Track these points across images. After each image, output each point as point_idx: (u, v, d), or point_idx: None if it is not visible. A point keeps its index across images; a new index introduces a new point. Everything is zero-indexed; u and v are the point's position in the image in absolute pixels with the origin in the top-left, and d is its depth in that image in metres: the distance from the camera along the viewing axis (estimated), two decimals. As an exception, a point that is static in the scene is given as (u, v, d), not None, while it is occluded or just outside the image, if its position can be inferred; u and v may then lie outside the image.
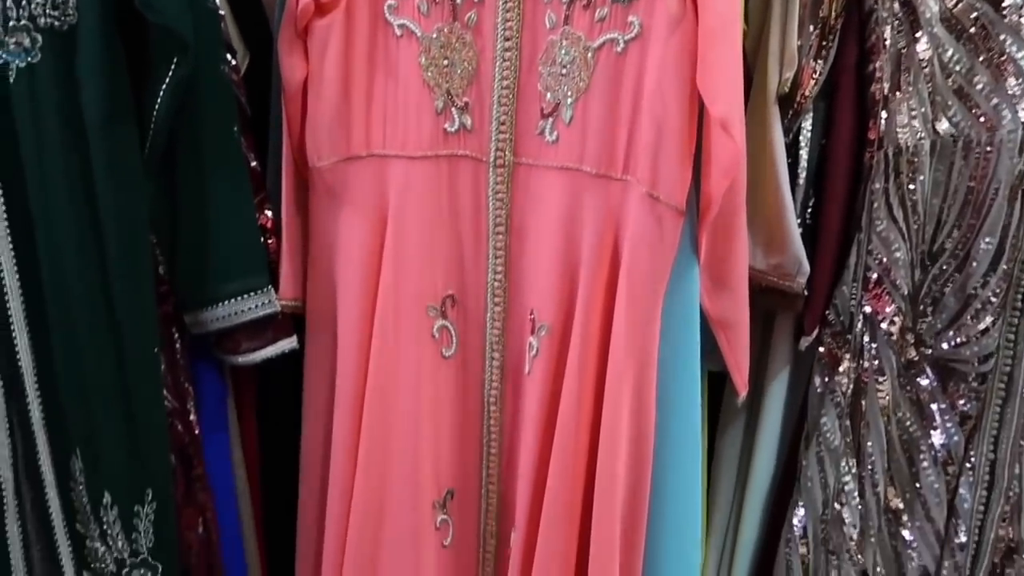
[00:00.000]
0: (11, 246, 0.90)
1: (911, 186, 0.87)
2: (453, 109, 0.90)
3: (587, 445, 0.93)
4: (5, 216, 0.89)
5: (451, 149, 0.91)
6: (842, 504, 0.93)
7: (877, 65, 0.87)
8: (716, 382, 0.98)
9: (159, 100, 0.86)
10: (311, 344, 1.00)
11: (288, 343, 1.00)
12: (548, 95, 0.87)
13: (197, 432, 1.01)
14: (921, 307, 0.90)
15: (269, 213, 0.98)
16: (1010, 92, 0.85)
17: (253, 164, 0.97)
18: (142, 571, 0.99)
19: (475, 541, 1.04)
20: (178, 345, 0.99)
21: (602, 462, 0.91)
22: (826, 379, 0.93)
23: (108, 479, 0.95)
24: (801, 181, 0.92)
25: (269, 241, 0.98)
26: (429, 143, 0.91)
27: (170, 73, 0.85)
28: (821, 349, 0.93)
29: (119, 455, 0.95)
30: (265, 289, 0.95)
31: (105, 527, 0.96)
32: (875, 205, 0.89)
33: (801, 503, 0.94)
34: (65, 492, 0.96)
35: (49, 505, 0.96)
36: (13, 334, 0.92)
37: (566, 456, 0.92)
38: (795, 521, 0.95)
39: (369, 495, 0.97)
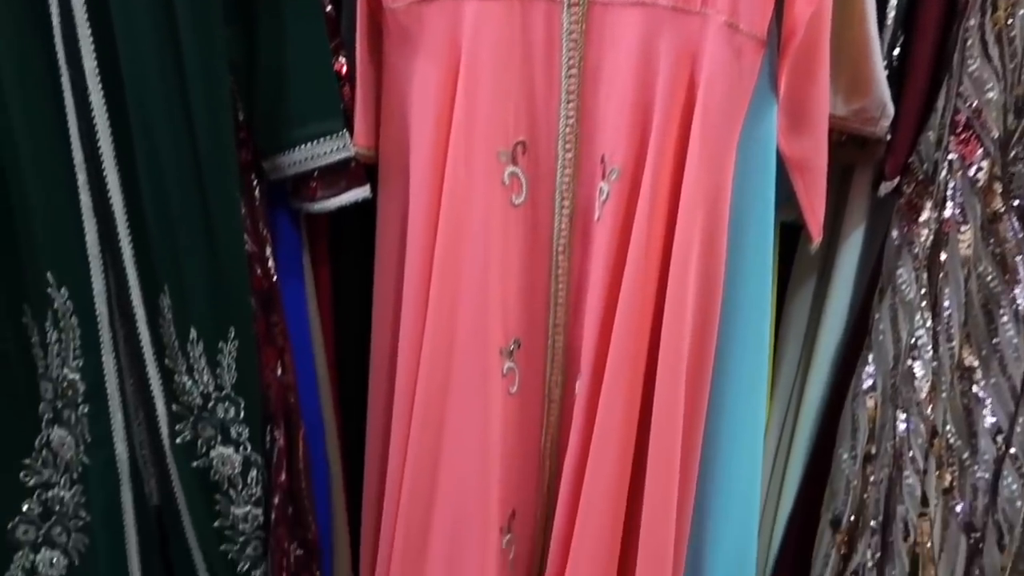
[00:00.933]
0: (101, 90, 0.94)
1: (1009, 21, 0.82)
2: (526, -54, 0.88)
3: (655, 292, 0.93)
4: (96, 60, 0.93)
5: (524, -12, 0.90)
6: (914, 359, 0.92)
7: None
8: (787, 234, 0.96)
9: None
10: (383, 192, 1.02)
11: (361, 191, 1.02)
12: (623, -74, 0.85)
13: (275, 279, 1.06)
14: (1012, 154, 0.86)
15: (343, 60, 0.99)
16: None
17: (328, 9, 0.97)
18: (226, 405, 1.05)
19: (540, 389, 1.07)
20: (256, 192, 1.03)
21: (670, 307, 0.91)
22: (904, 230, 0.90)
23: (194, 316, 1.00)
24: (889, 21, 0.87)
25: (343, 88, 1.00)
26: (502, -18, 0.90)
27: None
28: (901, 200, 0.90)
29: (203, 293, 0.99)
30: (340, 133, 0.96)
31: (192, 362, 1.02)
32: (968, 43, 0.84)
33: (871, 357, 0.93)
34: (155, 328, 1.02)
35: (140, 340, 1.02)
36: (104, 176, 0.97)
37: (633, 302, 0.92)
38: (864, 376, 0.94)
39: (438, 340, 1.00)
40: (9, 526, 1.09)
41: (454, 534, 1.08)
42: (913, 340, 0.92)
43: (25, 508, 1.09)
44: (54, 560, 1.11)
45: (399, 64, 0.95)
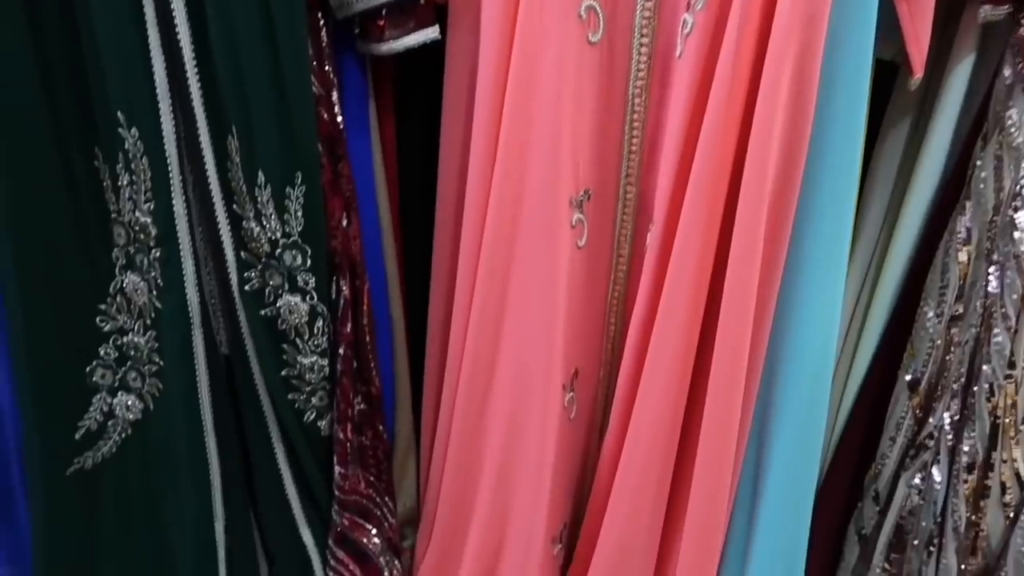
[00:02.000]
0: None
1: None
2: None
3: (737, 133, 0.88)
4: None
5: None
6: (1016, 209, 0.86)
7: None
8: (881, 73, 0.89)
9: None
10: (453, 32, 0.99)
11: (430, 32, 0.98)
12: None
13: (341, 125, 1.04)
14: None
15: None
16: None
17: None
18: (293, 253, 1.05)
19: (609, 243, 1.04)
20: (323, 32, 1.00)
21: (753, 149, 0.86)
22: (1019, 67, 0.83)
23: (261, 159, 0.99)
24: None
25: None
26: None
27: None
28: (1018, 32, 0.83)
29: (271, 135, 0.98)
30: (409, -36, 0.92)
31: (259, 207, 1.02)
32: None
33: (968, 206, 0.88)
34: (223, 172, 1.01)
35: (209, 184, 1.02)
36: (172, 12, 0.94)
37: (714, 144, 0.88)
38: (958, 227, 0.89)
39: (506, 189, 0.98)
40: (87, 370, 1.13)
41: (517, 390, 1.08)
42: (1017, 188, 0.85)
43: (102, 352, 1.13)
44: (130, 404, 1.15)
45: None
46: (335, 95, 1.02)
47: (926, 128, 0.90)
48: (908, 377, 0.96)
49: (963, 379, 0.93)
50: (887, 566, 1.01)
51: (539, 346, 1.04)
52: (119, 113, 0.97)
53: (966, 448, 0.91)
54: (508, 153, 0.96)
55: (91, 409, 1.15)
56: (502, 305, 1.05)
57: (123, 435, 1.17)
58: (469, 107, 1.00)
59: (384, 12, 0.95)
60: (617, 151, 0.98)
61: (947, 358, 0.93)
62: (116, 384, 1.14)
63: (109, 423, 1.16)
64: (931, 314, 0.92)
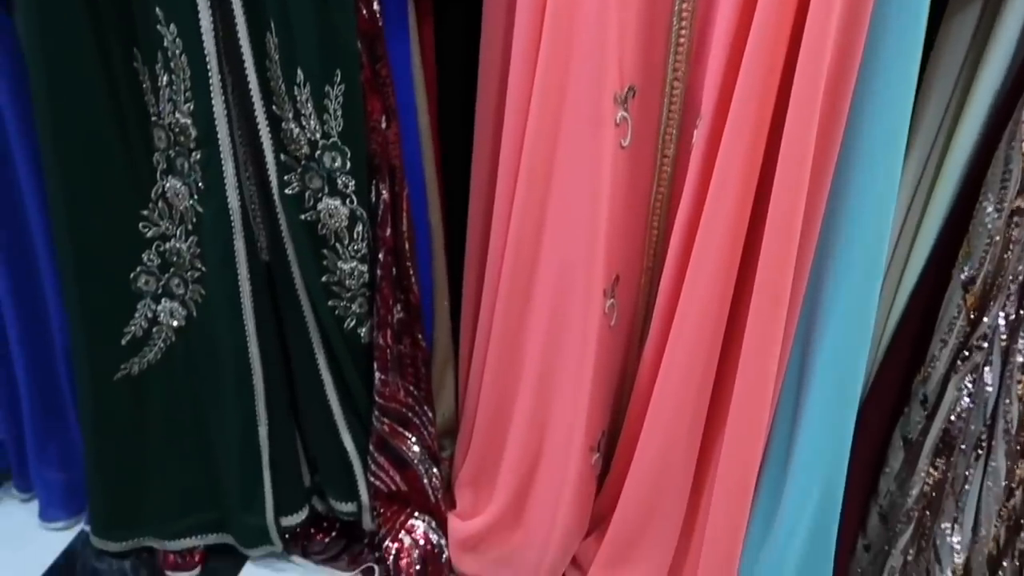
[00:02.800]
0: None
1: None
2: None
3: (791, 25, 0.85)
4: None
5: None
6: (1084, 96, 0.82)
7: None
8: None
9: None
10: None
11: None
12: None
13: (380, 23, 1.01)
14: None
15: None
16: None
17: None
18: (332, 154, 1.04)
19: (653, 143, 1.02)
20: (361, -75, 0.97)
21: (808, 42, 0.83)
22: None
23: (300, 56, 0.98)
24: None
25: None
26: None
27: None
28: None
29: (310, 31, 0.96)
30: None
31: (299, 107, 1.01)
32: None
33: (1038, 99, 0.84)
34: (262, 71, 1.00)
35: (248, 83, 1.00)
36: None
37: (766, 36, 0.84)
38: (1024, 117, 0.85)
39: (550, 83, 0.95)
40: (131, 276, 1.14)
41: (557, 297, 1.07)
42: (1087, 73, 0.81)
43: (145, 259, 1.14)
44: (173, 311, 1.17)
45: None
46: (374, -9, 1.00)
47: (995, 13, 0.85)
48: (963, 276, 0.93)
49: (1021, 277, 0.90)
50: (932, 471, 1.00)
51: (580, 250, 1.02)
52: (157, 9, 0.96)
53: (1021, 347, 0.89)
54: (552, 49, 0.94)
55: (136, 315, 1.16)
56: (543, 209, 1.03)
57: (167, 342, 1.18)
58: (511, 3, 0.97)
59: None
60: (664, 45, 0.95)
61: (1005, 256, 0.90)
62: (159, 291, 1.15)
63: (154, 329, 1.18)
64: (990, 209, 0.89)
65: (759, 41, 0.85)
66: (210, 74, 0.99)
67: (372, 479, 1.21)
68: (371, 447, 1.20)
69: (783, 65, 0.87)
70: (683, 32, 0.94)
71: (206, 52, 0.98)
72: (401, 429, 1.21)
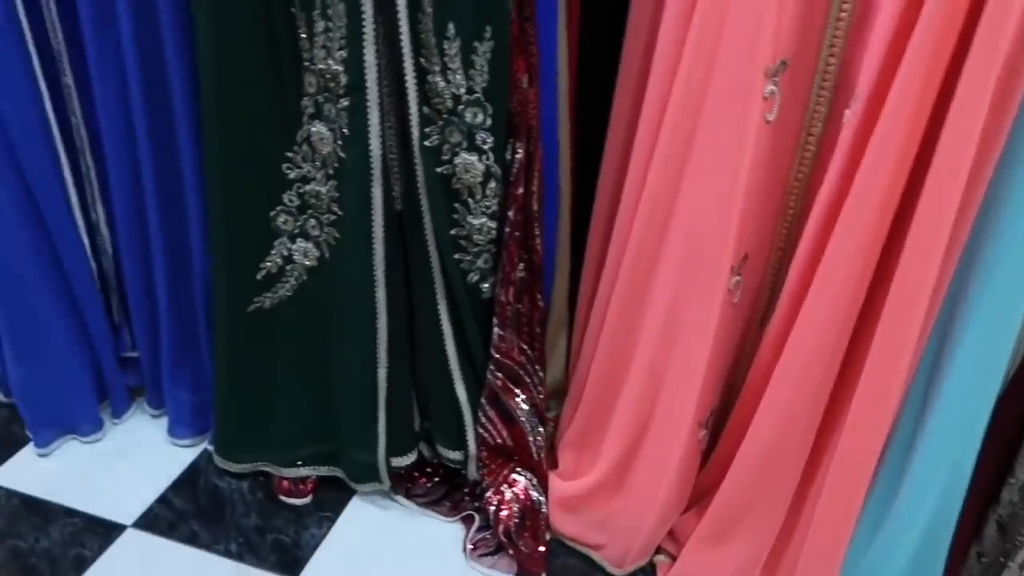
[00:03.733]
0: None
1: None
2: None
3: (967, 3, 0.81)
4: None
5: None
6: None
7: None
8: None
9: None
10: None
11: None
12: None
13: (530, -19, 1.02)
14: None
15: None
16: None
17: None
18: (475, 110, 1.06)
19: (800, 119, 0.99)
20: None
21: (987, 21, 0.79)
22: None
23: (453, 10, 0.99)
24: None
25: None
26: None
27: None
28: None
29: (464, -16, 0.98)
30: None
31: (446, 60, 1.03)
32: None
33: None
34: (414, 23, 1.02)
35: (400, 34, 1.03)
36: None
37: (937, 16, 0.81)
38: None
39: (701, 51, 0.94)
40: (271, 214, 1.20)
41: (684, 268, 1.06)
42: None
43: (285, 199, 1.19)
44: (307, 251, 1.22)
45: None
46: (528, -51, 1.00)
47: None
48: None
49: None
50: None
51: (713, 223, 1.01)
52: (320, -43, 1.00)
53: None
54: (706, 16, 0.92)
55: (272, 252, 1.23)
56: (679, 178, 1.02)
57: (299, 280, 1.24)
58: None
59: None
60: (822, 19, 0.92)
61: None
62: (296, 231, 1.21)
63: (287, 267, 1.24)
64: None
65: (929, 24, 0.81)
66: (364, 24, 1.02)
67: (480, 430, 1.25)
68: (483, 399, 1.23)
69: (952, 51, 0.83)
70: (844, 6, 0.91)
71: (362, 1, 1.01)
72: (512, 386, 1.23)
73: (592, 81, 1.15)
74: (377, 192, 1.13)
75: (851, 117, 0.91)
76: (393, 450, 1.29)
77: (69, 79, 1.25)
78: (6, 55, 1.20)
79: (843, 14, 0.91)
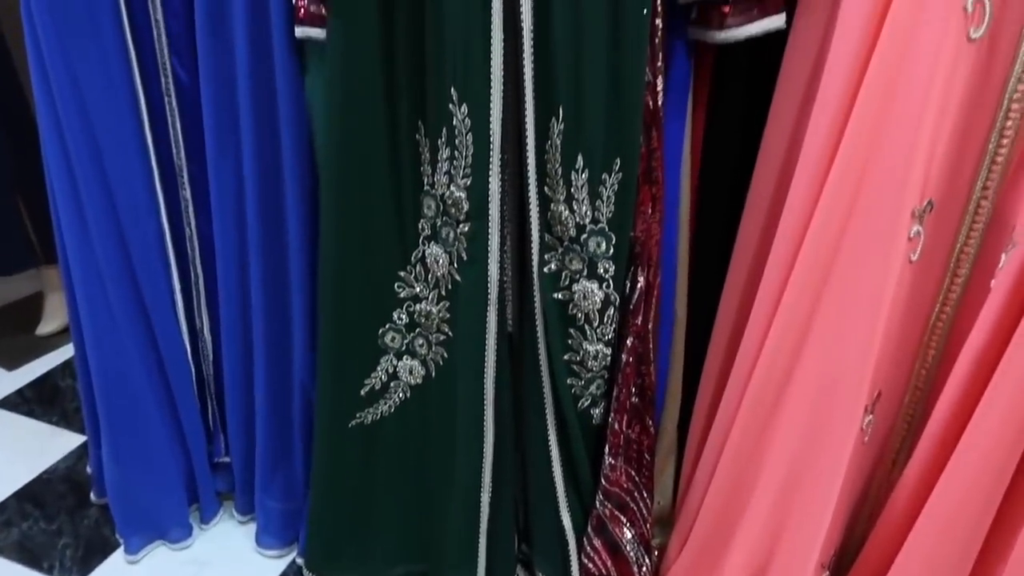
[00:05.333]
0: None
1: None
2: None
3: None
4: None
5: None
6: None
7: None
8: None
9: None
10: (801, 20, 0.93)
11: (776, 20, 0.93)
12: None
13: (661, 110, 1.01)
14: None
15: None
16: None
17: None
18: (598, 239, 1.04)
19: (945, 261, 0.95)
20: (659, 19, 0.97)
21: None
22: None
23: (584, 142, 0.99)
24: None
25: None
26: None
27: None
28: None
29: (598, 121, 0.97)
30: (774, -51, 0.88)
31: (572, 190, 1.02)
32: None
33: None
34: (541, 153, 1.02)
35: (527, 164, 1.02)
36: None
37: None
38: None
39: (843, 187, 0.91)
40: (380, 331, 1.19)
41: (815, 407, 1.01)
42: None
43: (395, 317, 1.18)
44: (413, 368, 1.20)
45: None
46: (660, 82, 1.00)
47: None
48: None
49: None
50: None
51: (850, 362, 0.97)
52: (452, 90, 1.00)
53: None
54: (853, 150, 0.89)
55: (378, 369, 1.21)
56: (813, 311, 0.98)
57: (403, 397, 1.22)
58: (805, 100, 0.94)
59: (731, -1, 0.92)
60: (976, 160, 0.89)
61: None
62: (403, 348, 1.20)
63: (391, 384, 1.22)
64: None
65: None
66: (491, 154, 1.02)
67: (585, 560, 1.20)
68: (589, 529, 1.18)
69: None
70: (1002, 149, 0.87)
71: (491, 133, 1.01)
72: (619, 514, 1.18)
73: (710, 208, 1.13)
74: (492, 316, 1.11)
75: (1011, 264, 0.87)
76: (492, 574, 1.24)
77: (187, 192, 1.28)
78: (129, 169, 1.23)
79: (999, 156, 0.88)
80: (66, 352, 2.00)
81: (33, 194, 1.95)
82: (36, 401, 1.84)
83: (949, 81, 0.85)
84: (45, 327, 2.09)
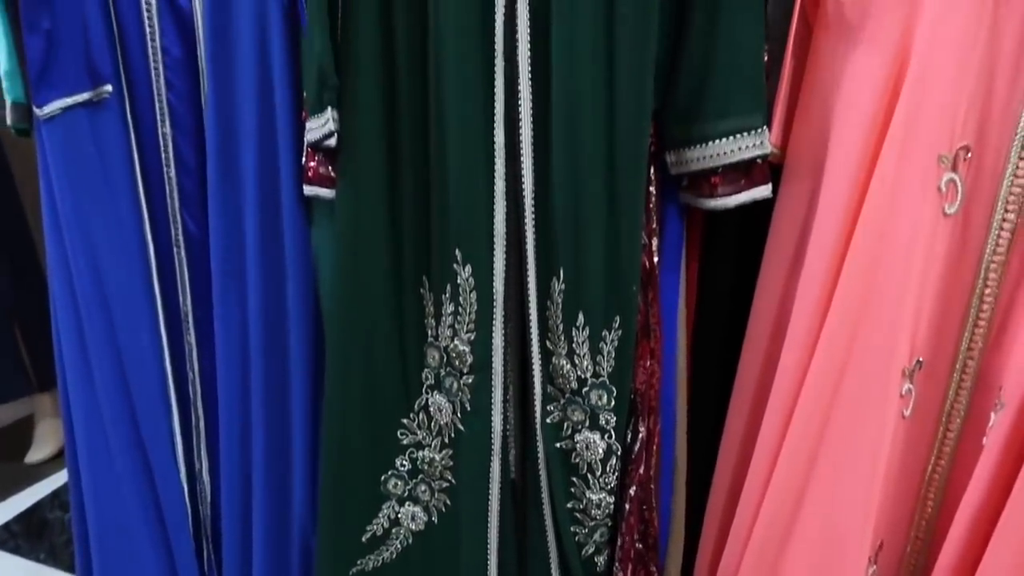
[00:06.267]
0: (530, 82, 0.97)
1: None
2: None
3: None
4: (529, 52, 0.97)
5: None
6: None
7: None
8: None
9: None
10: (786, 190, 0.99)
11: (763, 190, 0.99)
12: None
13: (656, 269, 1.06)
14: None
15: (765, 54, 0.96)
16: None
17: (755, -1, 0.95)
18: (599, 392, 1.06)
19: (936, 416, 0.98)
20: (652, 187, 1.03)
21: None
22: None
23: (585, 302, 1.02)
24: None
25: (759, 83, 0.97)
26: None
27: None
28: None
29: (598, 281, 1.01)
30: (759, 130, 0.93)
31: (574, 346, 1.05)
32: None
33: None
34: (543, 310, 1.06)
35: (529, 321, 1.06)
36: (521, 161, 1.00)
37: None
38: None
39: (834, 350, 0.95)
40: (382, 478, 1.19)
41: (821, 556, 1.02)
42: None
43: (397, 463, 1.19)
44: (415, 515, 1.20)
45: (831, 59, 0.90)
46: (655, 243, 1.04)
47: None
48: None
49: None
50: None
51: (850, 515, 0.98)
52: (457, 250, 1.05)
53: None
54: (842, 315, 0.93)
55: (380, 515, 1.21)
56: (810, 466, 1.00)
57: (405, 543, 1.22)
58: (793, 266, 0.99)
59: (720, 170, 0.97)
60: (959, 324, 0.93)
61: None
62: (406, 494, 1.20)
63: (393, 530, 1.21)
64: None
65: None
66: (495, 311, 1.06)
67: None
68: None
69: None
70: (983, 314, 0.92)
71: (495, 292, 1.05)
72: (623, 662, 1.17)
73: (705, 358, 1.16)
74: (495, 465, 1.12)
75: (1000, 424, 0.90)
76: None
77: (192, 336, 1.30)
78: (135, 315, 1.26)
79: (981, 320, 0.92)
80: (56, 481, 1.96)
81: (29, 319, 1.97)
82: (23, 536, 1.80)
83: (929, 253, 0.90)
84: (35, 454, 2.06)
